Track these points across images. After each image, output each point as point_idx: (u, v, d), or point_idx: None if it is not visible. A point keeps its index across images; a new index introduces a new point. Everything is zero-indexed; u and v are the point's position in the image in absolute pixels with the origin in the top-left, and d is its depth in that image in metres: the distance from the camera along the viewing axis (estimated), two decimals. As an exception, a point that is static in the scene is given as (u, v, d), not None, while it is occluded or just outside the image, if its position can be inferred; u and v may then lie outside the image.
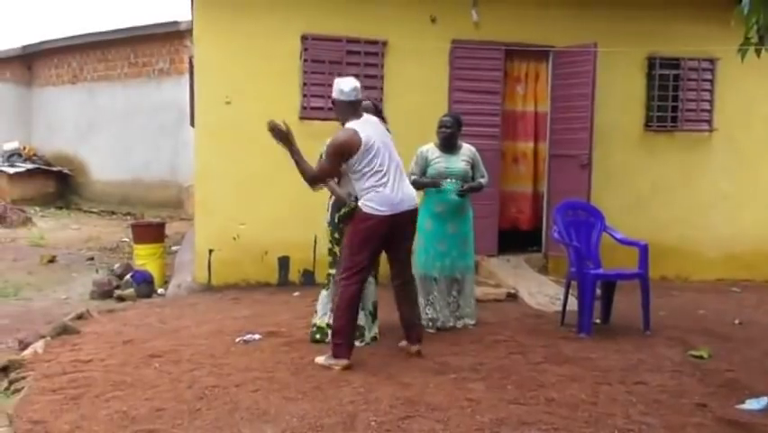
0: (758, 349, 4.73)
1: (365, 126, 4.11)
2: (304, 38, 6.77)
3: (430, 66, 7.02)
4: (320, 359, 4.12)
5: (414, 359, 4.23)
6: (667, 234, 7.42)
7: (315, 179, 4.24)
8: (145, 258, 7.20)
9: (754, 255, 7.80)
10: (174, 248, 8.85)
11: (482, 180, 5.23)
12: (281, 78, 6.75)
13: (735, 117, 7.71)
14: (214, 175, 6.69)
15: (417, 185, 4.87)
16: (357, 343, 4.37)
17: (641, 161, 7.59)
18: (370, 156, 4.02)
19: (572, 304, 5.32)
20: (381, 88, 6.94)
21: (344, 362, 4.02)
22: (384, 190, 4.04)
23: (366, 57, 6.89)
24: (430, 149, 5.20)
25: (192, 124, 7.55)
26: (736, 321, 5.65)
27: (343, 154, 4.06)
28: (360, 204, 4.10)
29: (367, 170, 4.03)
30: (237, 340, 4.67)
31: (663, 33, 7.37)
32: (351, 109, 4.18)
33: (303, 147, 6.70)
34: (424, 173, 5.11)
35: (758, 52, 4.09)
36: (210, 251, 6.69)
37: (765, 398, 3.52)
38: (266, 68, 6.72)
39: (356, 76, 6.76)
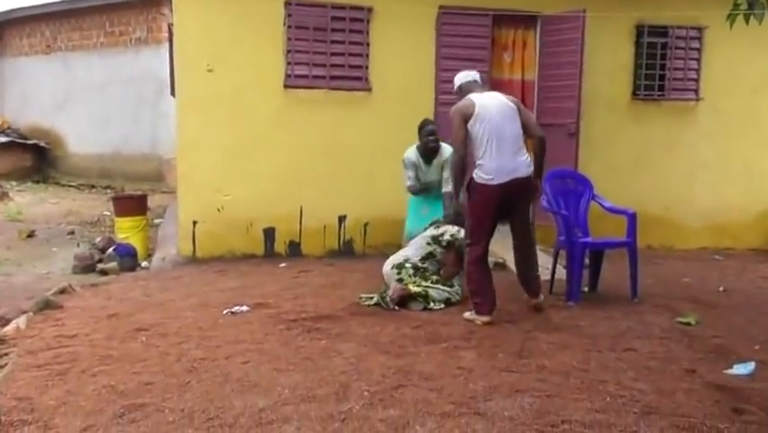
0: (742, 316, 4.77)
1: (483, 97, 4.44)
2: (287, 3, 6.60)
3: (417, 33, 6.91)
4: (467, 314, 4.47)
5: (404, 329, 4.21)
6: (652, 203, 7.45)
7: (455, 149, 4.49)
8: (128, 231, 7.09)
9: (737, 224, 7.87)
10: (156, 221, 8.72)
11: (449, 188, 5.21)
12: (265, 45, 6.60)
13: (720, 86, 7.70)
14: (198, 146, 6.56)
15: (413, 191, 5.46)
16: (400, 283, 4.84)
17: (628, 129, 7.57)
18: (482, 123, 4.31)
19: (560, 273, 5.34)
20: (367, 55, 6.82)
21: (486, 318, 4.36)
22: (490, 160, 4.30)
23: (351, 23, 6.75)
24: (416, 156, 5.46)
25: (173, 93, 7.38)
26: (721, 288, 5.71)
27: (464, 116, 4.35)
28: (474, 174, 4.38)
29: (479, 136, 4.31)
30: (224, 312, 4.61)
31: (651, 1, 7.30)
32: (468, 89, 4.55)
33: (287, 116, 6.75)
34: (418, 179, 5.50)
35: (747, 19, 4.04)
36: (194, 223, 6.60)
37: (752, 363, 3.56)
38: (249, 34, 6.56)
39: (341, 42, 6.76)
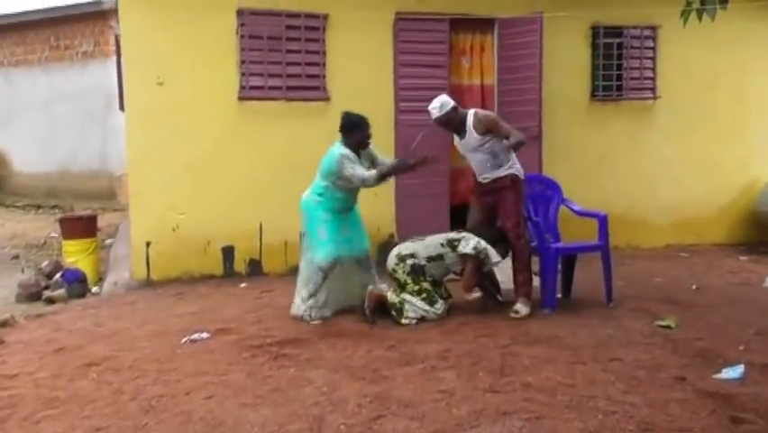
0: (720, 315, 4.70)
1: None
2: (240, 12, 6.33)
3: (374, 40, 6.72)
4: (522, 310, 4.72)
5: (377, 350, 3.97)
6: (616, 203, 7.36)
7: (520, 134, 4.83)
8: (76, 255, 6.68)
9: (701, 219, 7.91)
10: (108, 241, 8.31)
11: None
12: (217, 56, 6.31)
13: (676, 84, 7.73)
14: (149, 162, 6.22)
15: (375, 181, 4.78)
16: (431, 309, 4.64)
17: (588, 131, 7.53)
18: None
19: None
20: (324, 64, 6.60)
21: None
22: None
23: (307, 32, 6.52)
24: (350, 152, 4.84)
25: (122, 108, 7.03)
26: (693, 287, 5.66)
27: None
28: (515, 171, 4.86)
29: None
30: (183, 341, 4.30)
31: (606, 1, 7.27)
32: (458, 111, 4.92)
33: (243, 130, 6.46)
34: None
35: (699, 16, 3.98)
36: (148, 244, 6.24)
37: (741, 366, 3.45)
38: (200, 45, 6.27)
39: (297, 52, 6.52)
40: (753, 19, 7.65)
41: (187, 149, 6.29)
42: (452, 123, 4.88)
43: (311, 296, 4.75)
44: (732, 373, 3.38)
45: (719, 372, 3.42)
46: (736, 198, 8.02)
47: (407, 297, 4.61)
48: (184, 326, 4.64)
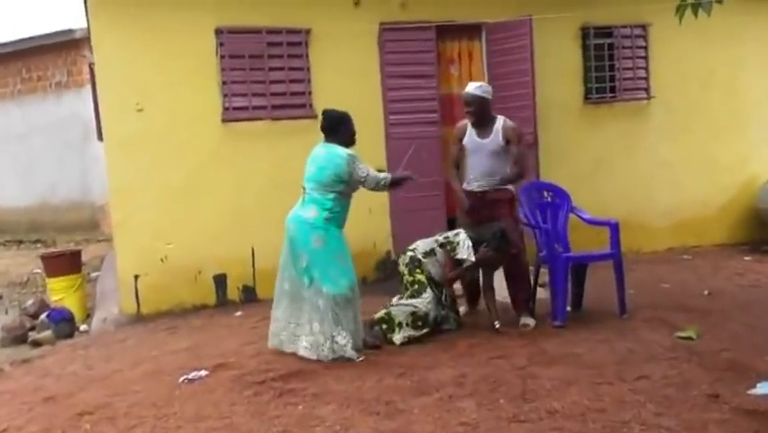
0: (738, 321, 4.53)
1: None
2: (218, 32, 6.12)
3: (359, 52, 6.54)
4: (531, 322, 4.66)
5: (387, 379, 3.75)
6: (614, 207, 7.16)
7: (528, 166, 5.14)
8: (61, 292, 6.43)
9: (701, 220, 7.77)
10: (93, 275, 8.03)
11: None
12: (198, 78, 6.09)
13: (670, 83, 7.61)
14: (132, 192, 5.96)
15: (396, 181, 4.54)
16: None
17: (583, 134, 7.37)
18: None
19: (539, 292, 5.02)
20: (308, 80, 6.40)
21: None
22: None
23: (289, 48, 6.32)
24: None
25: (100, 138, 6.78)
26: (706, 292, 5.48)
27: None
28: (512, 186, 4.84)
29: None
30: (180, 380, 4.03)
31: (594, 1, 7.15)
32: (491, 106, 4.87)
33: (229, 152, 6.23)
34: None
35: (695, 11, 3.84)
36: (136, 277, 5.98)
37: (776, 380, 3.26)
38: (179, 68, 6.04)
39: (280, 69, 6.32)
40: (746, 13, 7.53)
41: (172, 175, 6.05)
42: (480, 110, 4.76)
43: (350, 331, 4.22)
44: (768, 387, 3.19)
45: (754, 386, 3.23)
46: (735, 197, 7.90)
47: (392, 301, 4.61)
48: (179, 363, 4.37)
